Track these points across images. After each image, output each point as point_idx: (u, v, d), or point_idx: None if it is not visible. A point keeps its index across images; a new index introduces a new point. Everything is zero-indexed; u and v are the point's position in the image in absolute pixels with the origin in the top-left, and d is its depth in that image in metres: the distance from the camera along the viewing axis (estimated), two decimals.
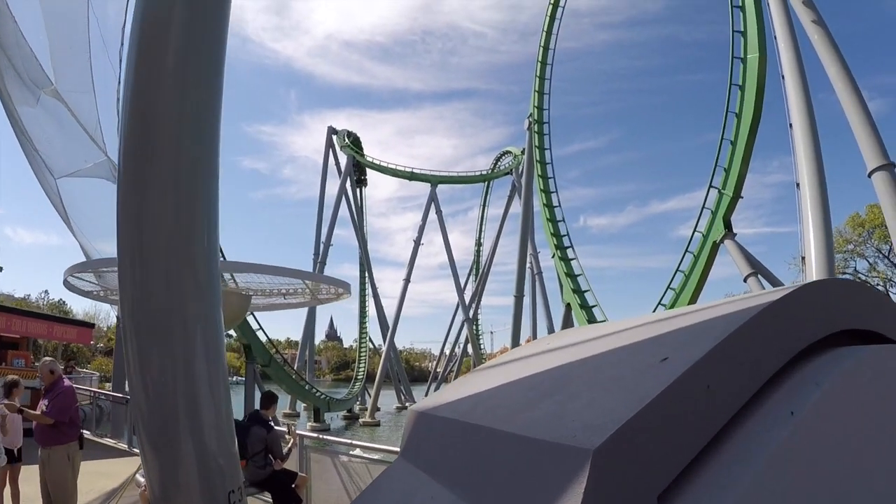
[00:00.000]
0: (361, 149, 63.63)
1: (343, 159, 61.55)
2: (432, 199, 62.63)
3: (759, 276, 22.81)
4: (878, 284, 39.10)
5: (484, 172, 70.64)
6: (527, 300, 51.06)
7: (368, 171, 65.84)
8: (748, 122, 24.34)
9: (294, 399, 49.16)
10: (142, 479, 6.67)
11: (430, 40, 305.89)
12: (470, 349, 65.56)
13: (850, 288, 1.42)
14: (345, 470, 8.06)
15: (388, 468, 1.76)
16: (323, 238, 55.95)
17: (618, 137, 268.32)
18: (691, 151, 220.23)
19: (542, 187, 38.67)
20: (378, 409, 52.84)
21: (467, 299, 64.97)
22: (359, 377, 62.48)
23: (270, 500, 7.61)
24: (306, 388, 46.03)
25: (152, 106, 2.71)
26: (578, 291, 34.02)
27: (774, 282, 23.43)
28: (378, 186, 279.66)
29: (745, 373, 1.13)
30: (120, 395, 15.26)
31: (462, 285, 65.91)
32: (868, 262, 42.63)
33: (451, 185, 69.36)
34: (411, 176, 63.83)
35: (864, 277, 40.76)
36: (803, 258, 15.89)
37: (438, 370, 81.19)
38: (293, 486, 7.48)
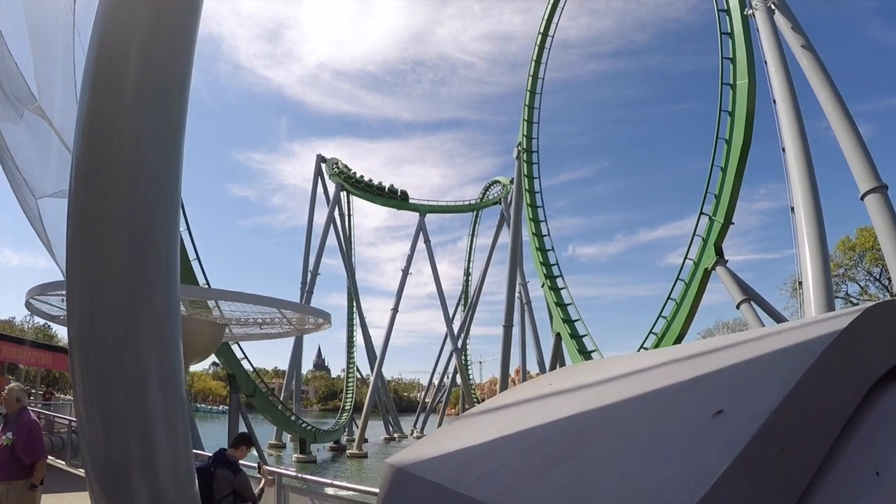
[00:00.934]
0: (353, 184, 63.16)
1: (332, 188, 61.38)
2: (421, 228, 62.81)
3: (753, 302, 22.67)
4: None
5: (473, 202, 71.27)
6: (516, 330, 51.07)
7: (356, 199, 65.69)
8: (738, 148, 24.50)
9: (280, 430, 48.21)
10: None
11: (420, 70, 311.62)
12: (459, 379, 65.19)
13: None
14: None
15: None
16: (311, 267, 55.50)
17: (606, 167, 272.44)
18: (679, 180, 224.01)
19: (531, 216, 38.62)
20: (366, 441, 52.55)
21: (456, 329, 64.98)
22: (346, 407, 61.75)
23: None
24: (292, 418, 45.73)
25: (107, 133, 2.52)
26: (568, 321, 33.73)
27: (768, 308, 23.48)
28: (367, 216, 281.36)
29: (820, 424, 0.87)
30: None
31: (451, 315, 66.36)
32: (859, 285, 43.04)
33: (440, 214, 69.41)
34: (400, 205, 63.74)
35: (855, 301, 40.74)
36: (800, 283, 15.62)
37: (427, 400, 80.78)
38: None
